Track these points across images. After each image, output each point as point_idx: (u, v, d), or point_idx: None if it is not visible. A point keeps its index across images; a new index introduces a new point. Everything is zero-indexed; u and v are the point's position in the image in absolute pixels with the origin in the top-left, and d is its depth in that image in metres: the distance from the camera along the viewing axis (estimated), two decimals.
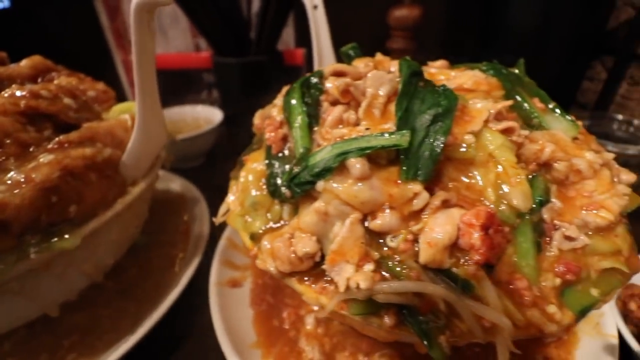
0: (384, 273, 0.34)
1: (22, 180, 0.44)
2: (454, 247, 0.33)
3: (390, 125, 0.38)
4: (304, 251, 0.36)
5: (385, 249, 0.35)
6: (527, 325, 0.33)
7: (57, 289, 0.54)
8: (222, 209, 0.51)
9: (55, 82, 0.64)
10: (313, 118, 0.45)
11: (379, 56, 0.57)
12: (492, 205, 0.36)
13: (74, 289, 0.58)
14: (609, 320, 0.56)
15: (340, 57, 0.62)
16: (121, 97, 0.74)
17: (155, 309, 0.60)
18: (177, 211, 0.86)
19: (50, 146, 0.50)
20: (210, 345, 0.55)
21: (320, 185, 0.36)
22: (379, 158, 0.37)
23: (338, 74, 0.47)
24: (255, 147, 0.54)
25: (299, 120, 0.44)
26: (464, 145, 0.37)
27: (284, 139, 0.46)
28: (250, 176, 0.48)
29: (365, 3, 1.30)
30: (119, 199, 0.55)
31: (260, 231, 0.44)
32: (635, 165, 0.88)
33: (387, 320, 0.34)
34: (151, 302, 0.62)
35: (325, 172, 0.36)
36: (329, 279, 0.37)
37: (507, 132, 0.39)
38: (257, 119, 0.57)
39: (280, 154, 0.46)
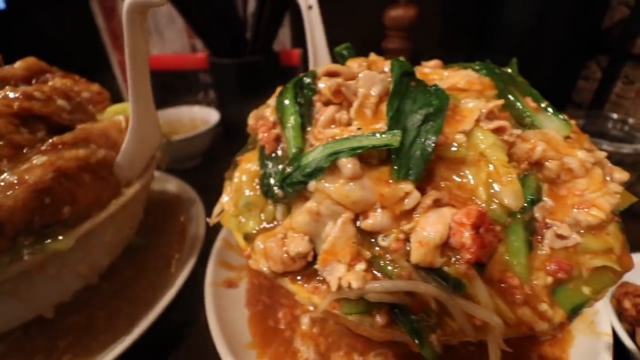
0: (375, 272, 0.34)
1: (15, 181, 0.44)
2: (446, 246, 0.34)
3: (382, 125, 0.38)
4: (296, 251, 0.36)
5: (377, 248, 0.35)
6: (518, 323, 0.33)
7: (51, 291, 0.54)
8: (217, 209, 0.51)
9: (50, 83, 0.64)
10: (306, 118, 0.45)
11: (372, 56, 0.57)
12: (483, 204, 0.36)
13: (69, 291, 0.58)
14: (603, 319, 0.56)
15: (335, 58, 0.62)
16: (118, 98, 0.74)
17: (151, 310, 0.60)
18: (173, 212, 0.86)
19: (43, 148, 0.50)
20: (206, 346, 0.55)
21: (312, 185, 0.36)
22: (371, 158, 0.37)
23: (331, 74, 0.47)
24: (250, 147, 0.55)
25: (291, 120, 0.44)
26: (455, 144, 0.37)
27: (277, 139, 0.46)
28: (244, 176, 0.48)
29: (361, 3, 1.30)
30: (113, 200, 0.54)
31: (254, 231, 0.44)
32: (630, 163, 0.89)
33: (379, 319, 0.34)
34: (147, 303, 0.62)
35: (317, 172, 0.36)
36: (321, 278, 0.37)
37: (498, 131, 0.39)
38: (251, 119, 0.57)
39: (273, 154, 0.46)
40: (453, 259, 0.33)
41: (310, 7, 0.82)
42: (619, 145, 0.86)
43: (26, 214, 0.44)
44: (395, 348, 0.54)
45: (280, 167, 0.44)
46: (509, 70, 0.53)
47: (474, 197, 0.37)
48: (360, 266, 0.34)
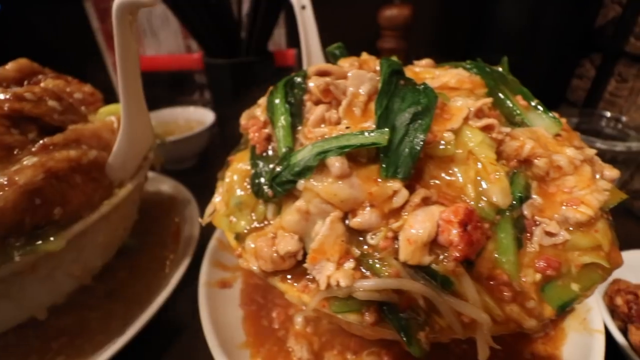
0: (364, 270, 0.34)
1: (5, 182, 0.44)
2: (434, 244, 0.34)
3: (371, 124, 0.38)
4: (286, 250, 0.37)
5: (366, 246, 0.35)
6: (507, 320, 0.33)
7: (44, 292, 0.54)
8: (209, 209, 0.51)
9: (42, 84, 0.63)
10: (296, 118, 0.45)
11: (364, 55, 0.58)
12: (472, 202, 0.36)
13: (62, 292, 0.57)
14: (595, 316, 0.56)
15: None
16: (112, 99, 0.74)
17: (145, 311, 0.60)
18: (167, 213, 0.86)
19: (34, 149, 0.50)
20: (200, 346, 0.55)
21: (300, 184, 0.36)
22: (360, 156, 0.37)
23: (322, 74, 0.48)
24: (242, 147, 0.55)
25: (282, 120, 0.44)
26: (444, 142, 0.37)
27: (268, 139, 0.46)
28: (235, 176, 0.48)
29: (356, 3, 1.30)
30: (106, 201, 0.54)
31: (245, 231, 0.44)
32: (624, 161, 0.89)
33: (368, 317, 0.34)
34: (141, 304, 0.62)
35: (306, 171, 0.36)
36: (311, 277, 0.37)
37: (487, 129, 0.39)
38: (244, 119, 0.57)
39: (264, 154, 0.46)
40: (441, 257, 0.33)
41: (303, 7, 0.82)
42: (612, 143, 0.87)
43: (16, 214, 0.44)
44: (388, 347, 0.54)
45: (271, 166, 0.44)
46: (500, 69, 0.54)
47: (462, 195, 0.37)
48: (349, 264, 0.34)
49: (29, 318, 0.56)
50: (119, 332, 0.57)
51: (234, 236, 0.45)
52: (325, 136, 0.38)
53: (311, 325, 0.59)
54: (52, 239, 0.48)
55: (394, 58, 0.61)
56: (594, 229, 0.38)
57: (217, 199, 0.50)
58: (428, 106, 0.37)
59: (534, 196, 0.39)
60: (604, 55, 1.06)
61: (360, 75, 0.40)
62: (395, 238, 0.34)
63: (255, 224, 0.44)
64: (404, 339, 0.32)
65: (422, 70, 0.55)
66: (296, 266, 0.38)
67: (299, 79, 0.47)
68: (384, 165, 0.36)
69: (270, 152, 0.46)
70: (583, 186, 0.39)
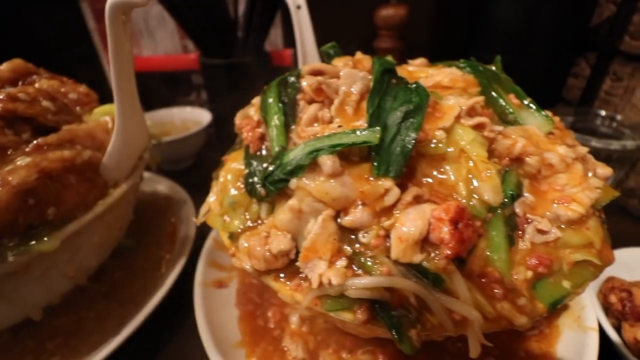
0: (356, 269, 0.34)
1: None
2: (425, 242, 0.34)
3: (363, 123, 0.38)
4: (279, 249, 0.37)
5: (358, 245, 0.35)
6: (498, 317, 0.33)
7: (38, 292, 0.54)
8: (203, 209, 0.51)
9: (36, 85, 0.63)
10: (290, 117, 0.45)
11: (358, 55, 0.58)
12: (463, 200, 0.36)
13: (57, 292, 0.57)
14: (590, 314, 0.56)
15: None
16: (109, 99, 0.73)
17: (140, 311, 0.60)
18: (164, 213, 0.86)
19: (28, 149, 0.49)
20: (195, 346, 0.55)
21: (293, 183, 0.36)
22: (352, 155, 0.37)
23: (316, 73, 0.48)
24: (237, 147, 0.55)
25: (275, 119, 0.44)
26: (435, 141, 0.37)
27: (262, 138, 0.46)
28: (229, 176, 0.48)
29: (353, 3, 1.30)
30: (100, 201, 0.54)
31: (239, 230, 0.44)
32: (619, 159, 0.89)
33: (360, 315, 0.34)
34: (136, 304, 0.62)
35: (298, 170, 0.36)
36: (303, 276, 0.37)
37: (478, 127, 0.39)
38: (238, 118, 0.57)
39: (258, 153, 0.46)
40: (433, 255, 0.33)
41: (299, 7, 0.82)
42: (607, 141, 0.87)
43: (10, 215, 0.44)
44: (383, 346, 0.54)
45: (265, 165, 0.44)
46: (493, 68, 0.54)
47: (454, 193, 0.37)
48: (341, 263, 0.34)
49: (24, 318, 0.56)
50: (114, 332, 0.57)
51: (227, 235, 0.45)
52: (318, 135, 0.38)
53: (307, 324, 0.59)
54: (46, 239, 0.48)
55: (389, 57, 0.61)
56: (586, 226, 0.38)
57: (211, 198, 0.50)
58: (420, 105, 0.37)
59: (526, 194, 0.39)
60: (599, 54, 1.07)
61: (353, 74, 0.40)
62: (387, 236, 0.34)
63: (249, 223, 0.44)
64: (395, 336, 0.32)
65: (416, 70, 0.55)
66: (289, 265, 0.38)
67: (292, 79, 0.47)
68: (375, 164, 0.36)
69: (263, 152, 0.46)
70: (575, 184, 0.40)
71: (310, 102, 0.44)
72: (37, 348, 0.57)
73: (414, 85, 0.39)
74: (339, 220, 0.36)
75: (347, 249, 0.35)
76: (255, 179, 0.43)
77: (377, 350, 0.54)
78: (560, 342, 0.55)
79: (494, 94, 0.48)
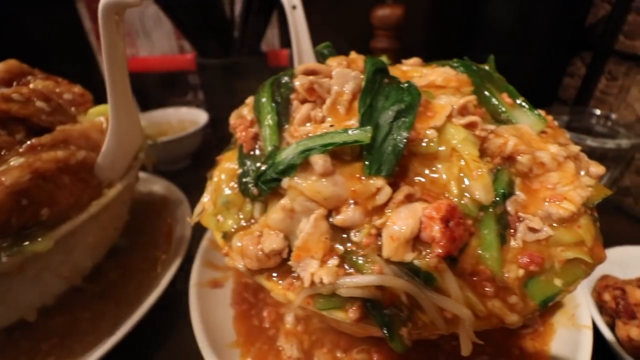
0: (347, 267, 0.34)
1: None
2: (417, 241, 0.34)
3: (355, 122, 0.38)
4: (271, 248, 0.37)
5: (350, 244, 0.35)
6: (489, 315, 0.33)
7: (32, 293, 0.54)
8: (198, 208, 0.51)
9: (31, 85, 0.63)
10: (283, 116, 0.45)
11: (353, 55, 0.58)
12: (455, 199, 0.36)
13: (51, 293, 0.57)
14: (584, 312, 0.56)
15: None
16: (106, 99, 0.73)
17: (135, 311, 0.60)
18: (160, 213, 0.86)
19: (21, 149, 0.49)
20: (191, 346, 0.55)
21: (285, 182, 0.37)
22: (344, 154, 0.37)
23: (309, 73, 0.48)
24: (232, 146, 0.55)
25: (268, 118, 0.44)
26: (427, 140, 0.37)
27: (255, 138, 0.46)
28: (223, 175, 0.49)
29: (349, 3, 1.30)
30: (94, 201, 0.54)
31: (232, 230, 0.44)
32: (613, 158, 0.90)
33: (352, 314, 0.34)
34: (131, 304, 0.62)
35: (290, 169, 0.36)
36: (296, 275, 0.37)
37: (470, 126, 0.39)
38: (233, 118, 0.57)
39: (251, 153, 0.46)
40: (424, 253, 0.33)
41: (294, 7, 0.82)
42: (602, 140, 0.87)
43: (3, 215, 0.44)
44: (378, 345, 0.54)
45: (258, 165, 0.44)
46: (487, 67, 0.54)
47: (446, 192, 0.37)
48: (333, 262, 0.34)
49: (18, 319, 0.56)
50: (109, 332, 0.57)
51: (221, 235, 0.45)
52: (310, 134, 0.38)
53: (302, 323, 0.59)
54: (39, 239, 0.48)
55: (384, 57, 0.61)
56: (577, 224, 0.38)
57: (205, 198, 0.50)
58: (411, 104, 0.37)
59: (518, 192, 0.39)
60: (595, 53, 1.07)
61: (345, 73, 0.40)
62: (379, 235, 0.34)
63: (243, 223, 0.44)
64: (387, 334, 0.32)
65: (410, 69, 0.55)
66: (282, 264, 0.38)
67: (285, 78, 0.47)
68: (367, 163, 0.36)
69: (257, 151, 0.46)
70: (566, 182, 0.40)
71: (303, 101, 0.44)
72: (31, 349, 0.57)
73: (406, 85, 0.39)
74: (331, 219, 0.36)
75: (339, 247, 0.35)
76: (249, 178, 0.43)
77: (371, 349, 0.54)
78: (554, 340, 0.55)
79: (486, 93, 0.48)
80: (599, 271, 0.65)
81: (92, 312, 0.62)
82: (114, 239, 0.68)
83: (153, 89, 1.39)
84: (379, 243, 0.34)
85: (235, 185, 0.46)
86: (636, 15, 0.95)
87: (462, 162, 0.37)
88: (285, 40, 1.41)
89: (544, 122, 0.47)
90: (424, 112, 0.39)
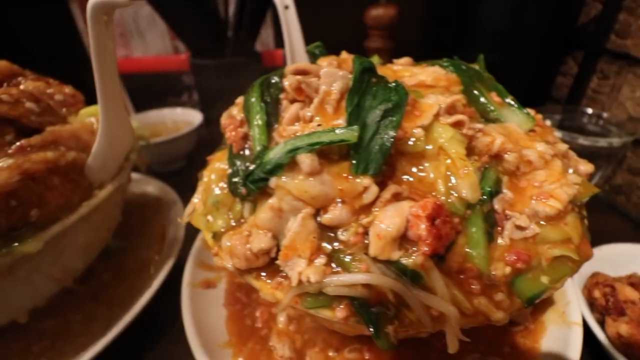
0: (335, 266, 0.34)
1: None
2: (404, 239, 0.34)
3: (343, 122, 0.38)
4: (259, 247, 0.37)
5: (337, 242, 0.35)
6: (475, 313, 0.34)
7: (23, 295, 0.54)
8: (188, 209, 0.51)
9: (21, 86, 0.63)
10: (273, 116, 0.45)
11: (344, 54, 0.58)
12: (442, 197, 0.36)
13: (42, 295, 0.57)
14: (574, 309, 0.57)
15: None
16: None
17: (127, 312, 0.60)
18: (153, 214, 0.86)
19: (10, 150, 0.49)
20: (183, 347, 0.55)
21: (272, 181, 0.37)
22: (332, 153, 0.37)
23: (300, 73, 0.48)
24: (223, 147, 0.55)
25: (257, 118, 0.44)
26: (414, 138, 0.37)
27: (245, 138, 0.46)
28: (213, 175, 0.49)
29: (343, 3, 1.31)
30: (85, 202, 0.54)
31: (222, 230, 0.44)
32: (605, 157, 0.90)
33: (339, 312, 0.34)
34: (124, 306, 0.62)
35: (277, 169, 0.36)
36: (284, 274, 0.37)
37: (457, 125, 0.39)
38: (224, 118, 0.57)
39: (241, 153, 0.46)
40: (411, 251, 0.34)
41: (286, 7, 0.82)
42: (594, 139, 0.88)
43: None
44: (370, 344, 0.54)
45: (247, 165, 0.44)
46: (477, 67, 0.54)
47: (433, 191, 0.37)
48: (320, 260, 0.34)
49: (9, 321, 0.55)
50: (101, 334, 0.57)
51: (211, 235, 0.45)
52: (298, 134, 0.38)
53: (294, 323, 0.59)
54: (29, 240, 0.47)
55: (375, 57, 0.61)
56: (564, 222, 0.38)
57: (196, 198, 0.50)
58: (399, 103, 0.37)
59: (505, 190, 0.39)
60: (586, 52, 1.08)
61: (333, 73, 0.40)
62: (366, 233, 0.35)
63: (232, 223, 0.44)
64: (372, 332, 0.32)
65: (401, 69, 0.55)
66: (270, 263, 0.38)
67: (275, 78, 0.48)
68: (354, 162, 0.36)
69: (247, 151, 0.46)
70: (553, 180, 0.40)
71: (293, 101, 0.45)
72: (22, 351, 0.57)
73: (394, 84, 0.39)
74: (318, 218, 0.36)
75: (327, 246, 0.35)
76: (238, 178, 0.43)
77: (363, 348, 0.54)
78: (544, 338, 0.55)
79: (476, 92, 0.49)
80: (590, 269, 0.65)
81: (84, 313, 0.62)
82: (106, 240, 0.68)
83: (148, 89, 1.39)
84: (366, 242, 0.34)
85: (225, 185, 0.46)
86: (627, 14, 0.95)
87: (449, 161, 0.37)
88: (280, 40, 1.41)
89: (533, 121, 0.47)
90: (412, 111, 0.39)
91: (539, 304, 0.59)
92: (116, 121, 0.55)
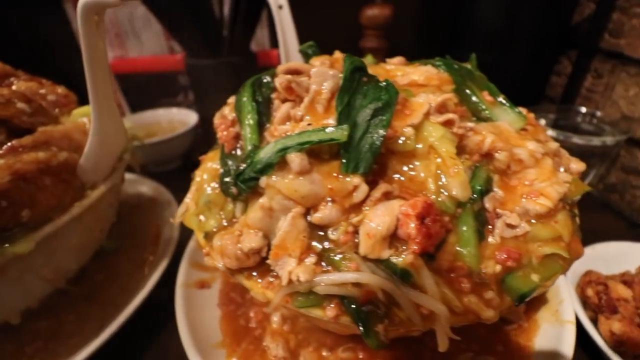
0: (325, 265, 0.34)
1: None
2: (394, 238, 0.34)
3: (333, 120, 0.38)
4: (250, 247, 0.37)
5: (327, 241, 0.35)
6: (465, 311, 0.34)
7: (15, 296, 0.54)
8: (181, 209, 0.51)
9: (14, 87, 0.63)
10: (265, 116, 0.45)
11: (336, 54, 0.58)
12: (433, 196, 0.36)
13: (35, 296, 0.57)
14: (567, 307, 0.57)
15: None
16: None
17: (121, 313, 0.60)
18: (148, 215, 0.85)
19: (1, 151, 0.49)
20: (177, 347, 0.55)
21: (263, 181, 0.37)
22: (322, 153, 0.37)
23: (291, 72, 0.48)
24: (216, 146, 0.55)
25: (248, 118, 0.44)
26: (403, 137, 0.37)
27: (237, 137, 0.46)
28: (205, 175, 0.49)
29: (338, 3, 1.30)
30: (77, 203, 0.54)
31: (214, 230, 0.44)
32: (599, 156, 0.91)
33: (329, 311, 0.34)
34: (117, 306, 0.61)
35: (268, 168, 0.36)
36: (275, 273, 0.37)
37: (447, 124, 0.39)
38: (217, 118, 0.57)
39: (233, 152, 0.46)
40: (400, 250, 0.34)
41: (280, 7, 0.82)
42: (588, 138, 0.88)
43: None
44: (364, 343, 0.54)
45: (238, 164, 0.44)
46: (469, 66, 0.54)
47: (424, 190, 0.37)
48: (310, 259, 0.34)
49: (2, 322, 0.55)
50: (94, 335, 0.57)
51: (203, 235, 0.45)
52: (288, 133, 0.38)
53: (288, 323, 0.59)
54: (20, 241, 0.47)
55: (369, 56, 0.61)
56: (554, 220, 0.39)
57: (188, 198, 0.50)
58: (389, 102, 0.37)
59: (496, 189, 0.40)
60: (580, 51, 1.08)
61: (323, 72, 0.40)
62: (356, 232, 0.35)
63: (224, 223, 0.44)
64: (362, 330, 0.32)
65: (394, 68, 0.55)
66: (261, 263, 0.38)
67: (267, 78, 0.48)
68: (344, 161, 0.36)
69: (238, 151, 0.46)
70: (544, 178, 0.40)
71: (284, 100, 0.45)
72: (15, 352, 0.57)
73: (384, 83, 0.39)
74: (308, 217, 0.36)
75: (317, 245, 0.35)
76: (229, 178, 0.43)
77: (357, 347, 0.54)
78: (538, 336, 0.56)
79: (468, 91, 0.49)
80: (583, 267, 0.65)
81: (77, 314, 0.62)
82: (100, 241, 0.68)
83: (143, 90, 1.38)
84: (356, 240, 0.34)
85: (217, 185, 0.46)
86: (620, 13, 0.96)
87: (440, 160, 0.37)
88: (276, 40, 1.41)
89: (524, 120, 0.47)
90: (402, 110, 0.39)
91: (532, 303, 0.59)
92: (108, 121, 0.55)
